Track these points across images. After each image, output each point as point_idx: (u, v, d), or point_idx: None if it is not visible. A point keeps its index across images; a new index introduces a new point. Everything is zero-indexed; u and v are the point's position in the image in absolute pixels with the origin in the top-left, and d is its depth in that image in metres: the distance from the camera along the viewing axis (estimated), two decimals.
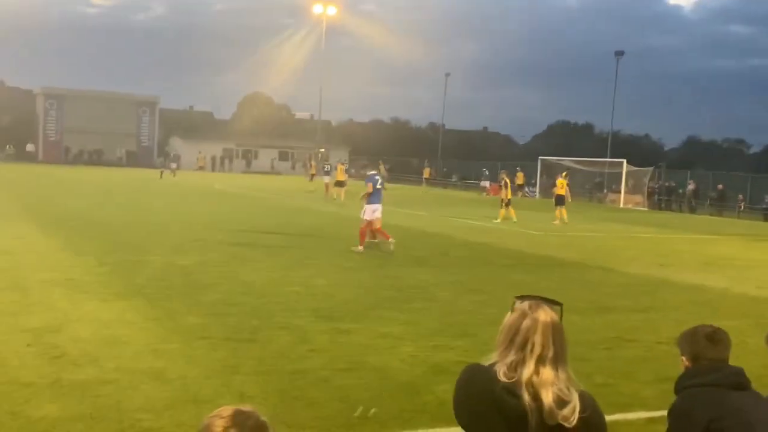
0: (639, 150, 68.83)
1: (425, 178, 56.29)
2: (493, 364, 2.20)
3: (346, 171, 35.07)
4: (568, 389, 2.14)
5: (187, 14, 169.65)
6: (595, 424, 2.18)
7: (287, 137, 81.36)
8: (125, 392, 5.78)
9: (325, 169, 36.63)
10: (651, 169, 45.38)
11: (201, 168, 59.48)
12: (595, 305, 10.43)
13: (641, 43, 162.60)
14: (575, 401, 2.12)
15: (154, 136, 77.49)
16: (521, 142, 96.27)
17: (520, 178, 46.27)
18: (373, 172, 17.08)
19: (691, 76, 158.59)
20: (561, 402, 2.11)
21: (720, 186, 42.70)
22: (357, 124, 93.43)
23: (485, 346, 2.83)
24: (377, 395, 5.99)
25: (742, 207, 41.22)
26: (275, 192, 37.57)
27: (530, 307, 2.21)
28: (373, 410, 5.56)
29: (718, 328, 3.07)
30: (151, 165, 66.34)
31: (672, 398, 3.01)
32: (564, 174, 29.04)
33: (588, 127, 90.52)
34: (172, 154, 58.82)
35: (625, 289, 12.29)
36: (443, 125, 78.77)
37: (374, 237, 15.84)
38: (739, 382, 2.92)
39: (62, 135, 72.83)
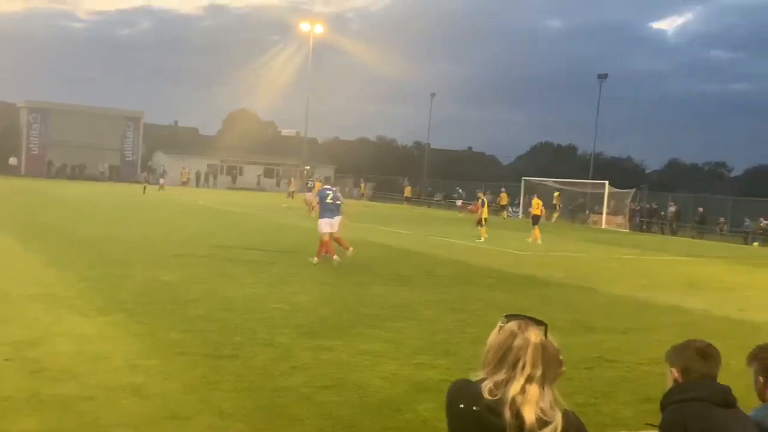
0: (621, 172, 69.30)
1: (405, 197, 56.15)
2: (480, 381, 2.20)
3: None
4: (552, 409, 2.14)
5: (173, 30, 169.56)
6: None
7: (273, 154, 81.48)
8: (104, 408, 5.72)
9: (308, 186, 36.77)
10: (633, 190, 45.72)
11: (184, 183, 59.25)
12: (576, 325, 10.46)
13: (625, 67, 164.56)
14: (558, 421, 2.12)
15: (138, 151, 77.32)
16: (505, 162, 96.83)
17: (503, 199, 46.50)
18: (327, 186, 17.24)
19: (673, 100, 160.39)
20: (543, 422, 2.11)
21: (701, 209, 43.11)
22: (343, 142, 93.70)
23: (467, 365, 2.84)
24: (359, 413, 5.97)
25: (724, 229, 41.62)
26: (259, 208, 37.49)
27: (519, 327, 2.21)
28: None
29: (710, 344, 3.12)
30: (134, 180, 66.27)
31: (652, 418, 3.02)
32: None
33: (571, 149, 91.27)
34: (161, 170, 58.56)
35: (607, 309, 12.35)
36: (428, 144, 79.14)
37: (328, 251, 15.85)
38: (727, 399, 2.96)
39: (46, 149, 72.44)
